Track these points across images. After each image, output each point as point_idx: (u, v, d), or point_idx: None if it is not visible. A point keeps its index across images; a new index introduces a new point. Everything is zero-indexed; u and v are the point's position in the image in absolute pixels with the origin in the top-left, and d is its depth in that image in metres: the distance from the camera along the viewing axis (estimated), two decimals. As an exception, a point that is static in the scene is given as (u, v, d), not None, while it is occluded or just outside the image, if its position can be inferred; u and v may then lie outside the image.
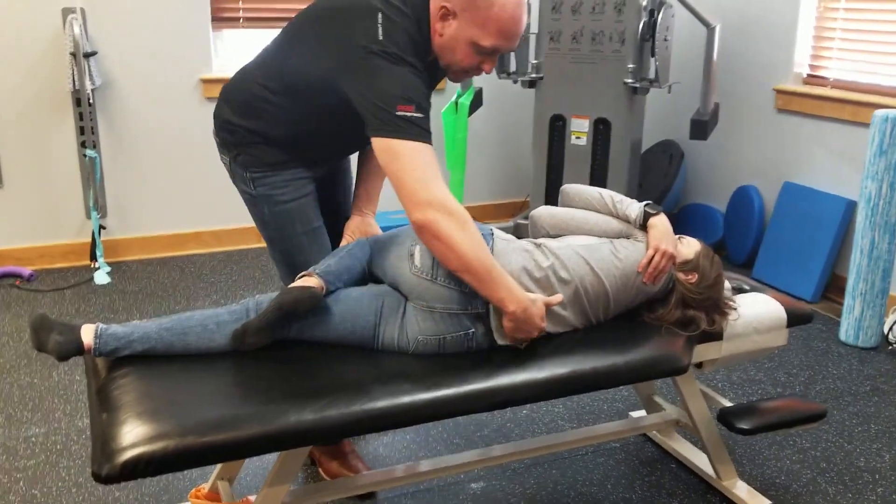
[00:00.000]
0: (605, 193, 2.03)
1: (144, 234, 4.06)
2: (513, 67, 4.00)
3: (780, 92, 3.91)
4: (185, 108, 3.98)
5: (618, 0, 3.71)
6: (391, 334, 1.86)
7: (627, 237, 1.99)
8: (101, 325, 1.74)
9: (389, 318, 1.85)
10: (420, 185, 1.70)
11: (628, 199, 2.02)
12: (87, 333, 1.72)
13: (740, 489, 2.24)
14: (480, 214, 4.56)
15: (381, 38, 1.74)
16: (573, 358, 1.84)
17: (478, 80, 4.08)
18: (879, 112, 3.03)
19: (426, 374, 1.75)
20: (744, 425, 2.05)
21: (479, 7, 1.75)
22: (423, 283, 1.83)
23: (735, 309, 2.05)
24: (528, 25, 3.84)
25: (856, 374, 2.99)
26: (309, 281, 1.86)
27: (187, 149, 4.03)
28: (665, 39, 3.60)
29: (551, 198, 4.02)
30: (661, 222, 1.96)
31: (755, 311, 2.13)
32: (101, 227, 3.90)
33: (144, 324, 1.77)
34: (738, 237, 4.13)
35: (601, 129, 3.90)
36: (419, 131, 1.73)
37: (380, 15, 1.75)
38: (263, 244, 4.25)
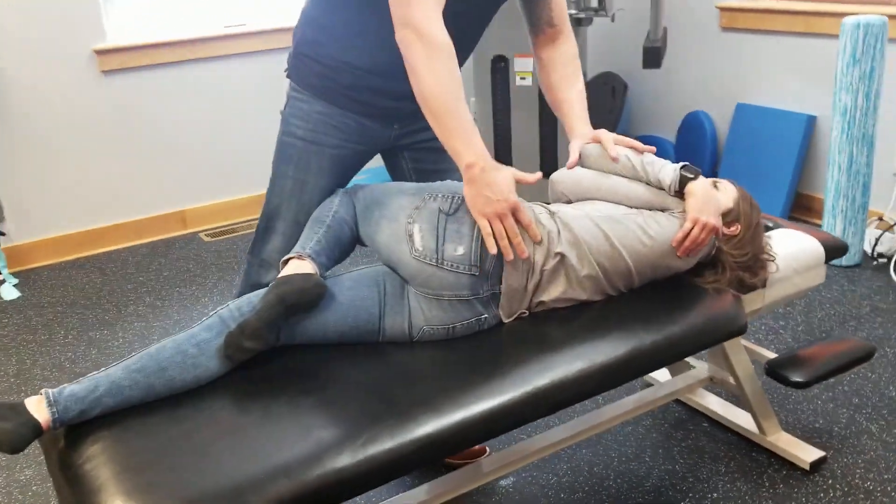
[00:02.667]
0: (633, 156, 1.71)
1: (52, 235, 3.56)
2: (443, 7, 3.65)
3: (723, 9, 3.73)
4: (81, 85, 3.47)
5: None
6: (396, 325, 1.59)
7: (663, 209, 1.70)
8: (49, 392, 1.38)
9: (394, 307, 1.58)
10: (402, 4, 1.52)
11: (660, 161, 1.71)
12: (37, 406, 1.36)
13: (786, 442, 2.07)
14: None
15: None
16: (620, 335, 1.59)
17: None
18: (850, 19, 2.87)
19: (465, 378, 1.47)
20: (799, 378, 1.87)
21: None
22: (427, 268, 1.54)
23: (774, 258, 1.84)
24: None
25: (850, 296, 2.89)
26: (303, 266, 1.55)
27: (90, 131, 3.53)
28: (608, -37, 3.34)
29: (500, 148, 3.76)
30: (700, 188, 1.66)
31: (792, 251, 1.94)
32: (0, 233, 3.40)
33: (107, 373, 1.42)
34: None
35: (500, 68, 3.63)
36: None
37: None
38: (195, 229, 3.89)
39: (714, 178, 1.77)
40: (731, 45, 3.75)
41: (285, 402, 1.43)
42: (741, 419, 2.17)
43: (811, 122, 3.49)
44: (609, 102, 4.11)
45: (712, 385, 2.17)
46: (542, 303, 1.63)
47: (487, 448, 2.13)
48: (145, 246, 3.71)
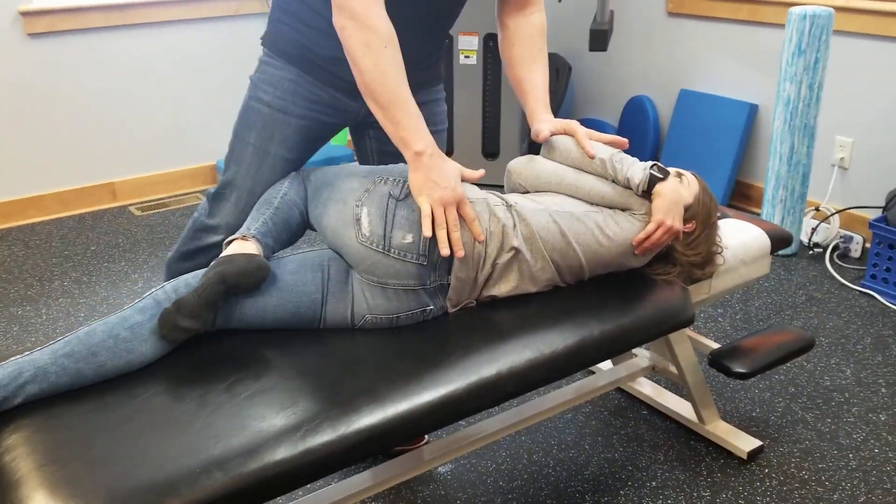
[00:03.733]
0: (602, 152, 1.66)
1: (-30, 206, 3.38)
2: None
3: (671, -6, 3.72)
4: (5, 48, 3.28)
5: None
6: (338, 312, 1.52)
7: (623, 209, 1.66)
8: None
9: (336, 293, 1.51)
10: None
11: (630, 159, 1.65)
12: None
13: (724, 431, 2.08)
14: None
15: None
16: (569, 326, 1.56)
17: None
18: (796, 9, 2.88)
19: (410, 367, 1.42)
20: (741, 369, 1.86)
21: None
22: (373, 254, 1.48)
23: (723, 251, 1.82)
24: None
25: (787, 285, 2.92)
26: (248, 247, 1.49)
27: (14, 96, 3.35)
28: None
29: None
30: (669, 190, 1.62)
31: (739, 241, 1.94)
32: (-87, 202, 3.21)
33: (32, 357, 1.32)
34: (634, 150, 3.97)
35: (491, 46, 3.57)
36: None
37: None
38: (125, 202, 3.72)
39: (679, 170, 1.74)
40: (677, 31, 3.75)
41: (221, 390, 1.35)
42: (680, 407, 2.17)
43: (753, 110, 3.51)
44: (553, 84, 4.08)
45: (654, 374, 2.16)
46: (492, 296, 1.59)
47: (426, 435, 2.09)
48: (72, 219, 3.54)
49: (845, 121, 3.22)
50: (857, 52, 3.12)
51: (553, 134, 1.69)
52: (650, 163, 1.63)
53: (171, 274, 1.78)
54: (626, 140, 1.69)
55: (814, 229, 3.16)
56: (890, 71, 3.05)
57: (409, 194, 1.52)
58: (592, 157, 1.64)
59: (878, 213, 3.10)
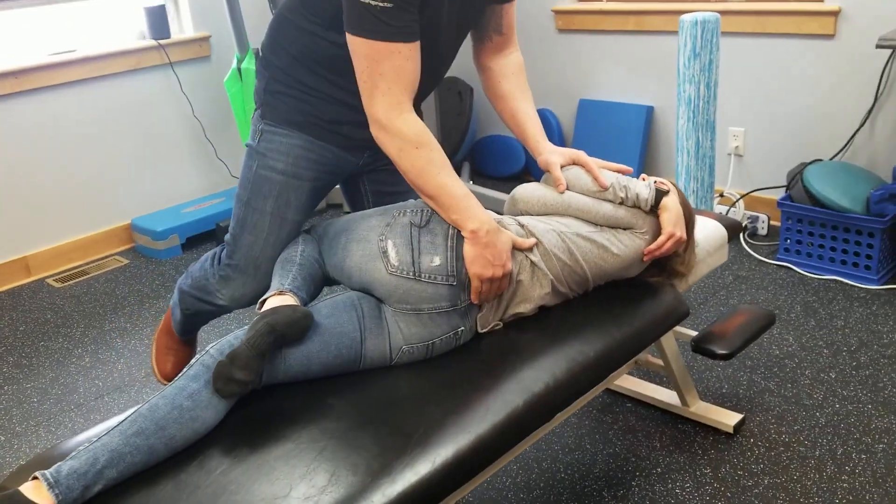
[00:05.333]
0: (610, 177, 1.78)
1: None
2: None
3: (558, 12, 3.94)
4: None
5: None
6: (377, 348, 1.57)
7: (626, 228, 1.78)
8: (47, 473, 1.25)
9: (373, 329, 1.56)
10: (367, 97, 1.56)
11: (632, 180, 1.79)
12: (35, 491, 1.23)
13: (707, 410, 2.25)
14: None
15: None
16: (588, 334, 1.67)
17: (258, 41, 3.62)
18: (687, 17, 3.13)
19: (453, 409, 1.46)
20: (723, 350, 2.03)
21: None
22: (405, 282, 1.55)
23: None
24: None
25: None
26: (286, 299, 1.53)
27: None
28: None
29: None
30: (673, 203, 1.77)
31: (702, 235, 2.11)
32: None
33: (102, 442, 1.30)
34: (540, 160, 4.16)
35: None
36: (379, 28, 1.48)
37: None
38: (40, 275, 3.53)
39: (662, 181, 1.86)
40: (569, 46, 3.97)
41: (276, 446, 1.36)
42: (661, 394, 2.32)
43: (650, 112, 3.77)
44: (457, 106, 4.21)
45: (636, 366, 2.30)
46: (516, 314, 1.67)
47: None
48: (-12, 300, 3.35)
49: (736, 113, 3.52)
50: (741, 49, 3.43)
51: (563, 166, 1.81)
52: (651, 180, 1.77)
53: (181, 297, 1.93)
54: (630, 168, 1.84)
55: (725, 214, 3.43)
56: (770, 63, 3.36)
57: (429, 220, 1.60)
58: (606, 188, 1.76)
59: (775, 193, 3.40)
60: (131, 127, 3.70)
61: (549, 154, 1.82)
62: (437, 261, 1.55)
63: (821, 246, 3.05)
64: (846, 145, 3.24)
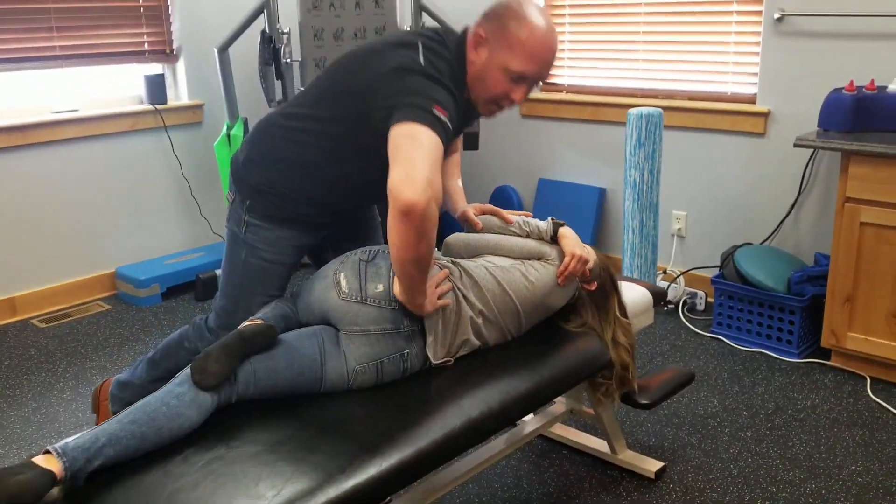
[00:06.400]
0: (516, 217, 2.16)
1: None
2: (279, 96, 3.92)
3: (523, 98, 4.32)
4: None
5: (378, 25, 3.83)
6: (336, 370, 1.81)
7: (539, 258, 2.11)
8: (56, 447, 1.49)
9: (332, 353, 1.82)
10: (429, 170, 1.66)
11: (534, 220, 2.16)
12: (46, 461, 1.46)
13: (632, 458, 2.51)
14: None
15: (422, 62, 1.81)
16: (522, 373, 1.94)
17: (247, 111, 3.96)
18: (634, 111, 3.51)
19: (386, 423, 1.72)
20: (645, 401, 2.31)
21: (511, 31, 1.85)
22: (353, 306, 1.83)
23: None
24: (290, 52, 3.81)
25: (652, 336, 3.46)
26: (258, 323, 1.82)
27: None
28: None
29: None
30: (569, 232, 2.13)
31: (630, 298, 2.41)
32: None
33: (103, 427, 1.55)
34: (503, 233, 4.49)
35: None
36: (445, 133, 1.77)
37: (420, 45, 1.85)
38: (25, 315, 3.74)
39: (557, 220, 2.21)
40: (532, 130, 4.34)
41: (249, 447, 1.60)
42: (593, 443, 2.58)
43: (602, 193, 4.13)
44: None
45: (570, 416, 2.57)
46: (465, 342, 1.94)
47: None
48: (-26, 337, 3.55)
49: (679, 198, 3.88)
50: (682, 141, 3.81)
51: (477, 214, 2.19)
52: (549, 218, 2.14)
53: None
54: (530, 213, 2.22)
55: (666, 290, 3.75)
56: (709, 156, 3.74)
57: (375, 256, 1.91)
58: (511, 224, 2.14)
59: (713, 272, 3.73)
60: (124, 182, 3.98)
61: (464, 208, 2.21)
62: (380, 287, 1.84)
63: (749, 321, 3.36)
64: (775, 231, 3.60)
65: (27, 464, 1.44)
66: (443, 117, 1.75)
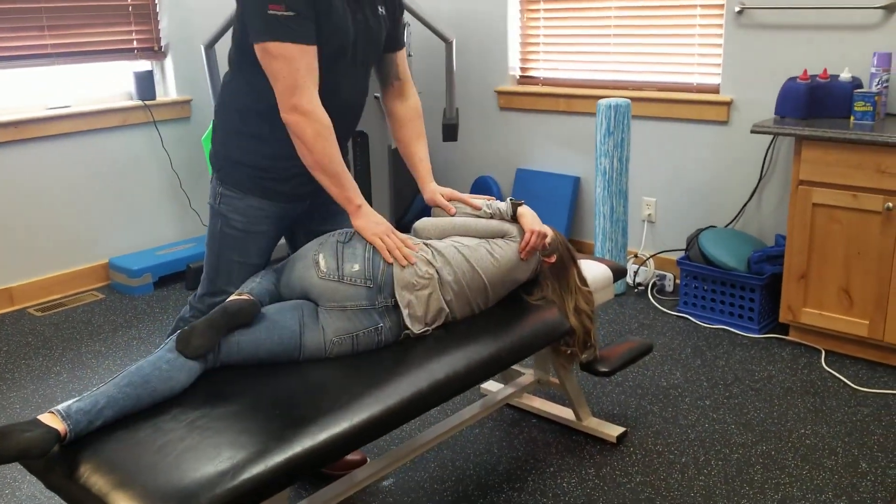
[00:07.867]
0: (480, 201, 2.31)
1: None
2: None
3: (500, 93, 4.49)
4: None
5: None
6: (313, 341, 1.97)
7: (502, 236, 2.27)
8: (60, 409, 1.64)
9: (310, 325, 1.97)
10: (289, 91, 1.94)
11: (497, 201, 2.32)
12: (51, 420, 1.62)
13: (596, 424, 2.68)
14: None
15: None
16: (486, 340, 2.10)
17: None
18: (603, 101, 3.68)
19: (360, 386, 1.87)
20: (605, 368, 2.49)
21: None
22: (331, 284, 1.99)
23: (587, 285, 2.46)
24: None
25: (622, 317, 3.63)
26: (244, 298, 1.96)
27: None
28: (409, 55, 3.95)
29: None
30: (528, 210, 2.28)
31: (592, 275, 2.58)
32: None
33: (101, 391, 1.71)
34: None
35: (359, 142, 4.14)
36: (289, 32, 1.91)
37: None
38: (22, 305, 3.90)
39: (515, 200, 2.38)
40: (509, 122, 4.51)
41: (233, 405, 1.77)
42: (560, 412, 2.75)
43: (577, 181, 4.30)
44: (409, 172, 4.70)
45: (538, 387, 2.74)
46: (439, 312, 2.10)
47: (367, 458, 2.54)
48: (-26, 324, 3.70)
49: (649, 184, 4.05)
50: (651, 130, 3.98)
51: (445, 199, 2.34)
52: (509, 198, 2.30)
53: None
54: (493, 196, 2.36)
55: (636, 272, 3.92)
56: (676, 144, 3.91)
57: (351, 238, 2.06)
58: (478, 209, 2.29)
59: (680, 254, 3.91)
60: (115, 176, 4.14)
61: (433, 193, 2.34)
62: (356, 267, 2.00)
63: (713, 300, 3.54)
64: (738, 215, 3.77)
65: (33, 421, 1.60)
66: (279, 13, 1.87)
